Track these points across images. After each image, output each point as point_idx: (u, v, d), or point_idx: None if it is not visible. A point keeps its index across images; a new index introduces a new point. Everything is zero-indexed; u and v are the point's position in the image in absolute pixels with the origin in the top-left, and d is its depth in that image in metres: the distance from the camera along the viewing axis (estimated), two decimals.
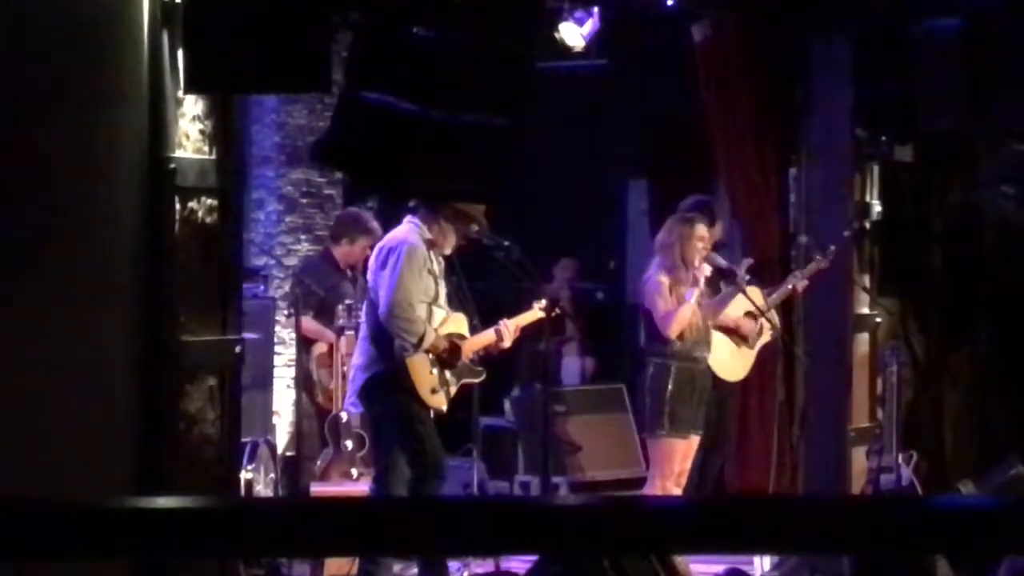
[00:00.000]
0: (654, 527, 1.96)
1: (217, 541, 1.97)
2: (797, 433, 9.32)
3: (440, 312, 7.54)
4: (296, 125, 10.80)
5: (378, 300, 7.40)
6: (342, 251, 8.92)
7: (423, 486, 7.35)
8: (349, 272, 8.95)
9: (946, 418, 10.15)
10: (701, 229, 8.18)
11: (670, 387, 8.05)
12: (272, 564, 8.32)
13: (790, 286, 8.79)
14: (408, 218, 7.56)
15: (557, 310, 8.06)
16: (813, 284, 9.04)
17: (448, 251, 7.60)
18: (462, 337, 7.63)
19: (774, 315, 8.71)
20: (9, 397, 5.33)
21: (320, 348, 8.83)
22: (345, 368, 8.41)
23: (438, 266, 7.56)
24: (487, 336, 7.73)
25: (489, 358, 7.90)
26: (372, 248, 8.71)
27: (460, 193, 7.11)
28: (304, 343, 8.75)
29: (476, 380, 7.79)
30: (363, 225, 8.97)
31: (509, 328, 7.71)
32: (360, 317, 7.93)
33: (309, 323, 8.74)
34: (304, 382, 8.80)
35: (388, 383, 7.44)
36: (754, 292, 8.65)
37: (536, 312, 7.81)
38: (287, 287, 9.98)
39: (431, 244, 7.49)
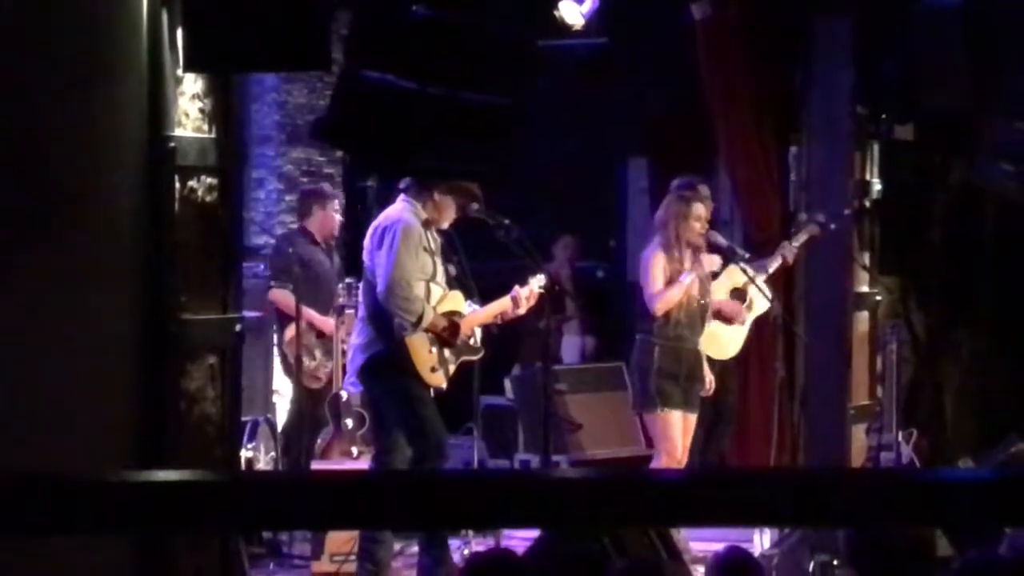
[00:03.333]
0: (653, 501, 1.96)
1: (218, 515, 1.98)
2: (797, 411, 9.33)
3: (437, 290, 7.55)
4: (296, 104, 10.79)
5: (375, 280, 7.40)
6: (317, 221, 8.94)
7: (424, 465, 7.36)
8: (323, 244, 8.96)
9: (946, 396, 10.16)
10: (699, 208, 8.16)
11: (656, 364, 8.04)
12: (273, 541, 8.35)
13: (779, 260, 8.73)
14: (401, 197, 7.56)
15: (556, 287, 8.05)
16: (813, 262, 9.03)
17: (446, 225, 7.60)
18: (460, 315, 7.63)
19: (765, 289, 8.66)
20: (10, 376, 5.34)
21: (293, 330, 8.82)
22: (345, 346, 8.42)
23: (434, 243, 7.56)
24: (502, 303, 7.72)
25: (490, 335, 7.89)
26: (339, 211, 8.89)
27: (460, 171, 7.11)
28: (279, 320, 8.76)
29: (475, 358, 7.80)
30: (326, 192, 9.19)
31: (523, 294, 7.70)
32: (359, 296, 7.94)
33: (287, 296, 8.73)
34: (286, 365, 8.84)
35: (388, 363, 7.44)
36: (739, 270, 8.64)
37: (535, 288, 7.78)
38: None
39: (427, 223, 7.49)
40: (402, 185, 7.62)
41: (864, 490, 1.92)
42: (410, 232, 7.37)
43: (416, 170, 7.18)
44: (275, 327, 8.99)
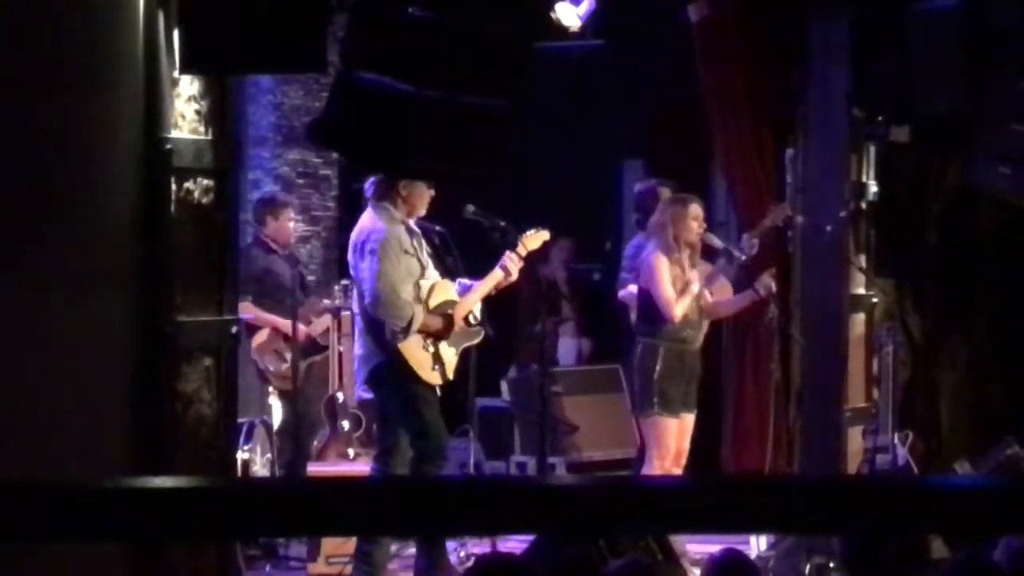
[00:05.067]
0: (650, 507, 1.96)
1: (214, 521, 1.97)
2: (793, 413, 9.33)
3: (428, 284, 7.57)
4: (292, 105, 10.78)
5: (364, 292, 7.46)
6: (271, 231, 9.00)
7: (425, 466, 7.39)
8: (281, 251, 8.98)
9: (942, 398, 10.15)
10: (695, 209, 8.17)
11: (659, 367, 8.04)
12: (269, 543, 8.35)
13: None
14: (370, 205, 7.58)
15: (549, 285, 8.04)
16: (809, 264, 9.01)
17: (423, 212, 7.60)
18: (452, 304, 7.64)
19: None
20: (6, 378, 5.33)
21: (259, 338, 8.85)
22: (342, 348, 8.44)
23: (416, 240, 7.56)
24: (494, 276, 7.71)
25: (487, 337, 7.87)
26: (293, 219, 8.94)
27: (456, 173, 7.11)
28: (246, 331, 8.78)
29: (476, 341, 7.80)
30: (280, 200, 9.27)
31: (513, 260, 7.70)
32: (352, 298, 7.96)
33: (248, 308, 8.77)
34: (259, 373, 8.85)
35: (389, 370, 7.49)
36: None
37: (536, 239, 7.80)
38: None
39: (405, 220, 7.49)
40: (367, 192, 7.63)
41: (859, 498, 1.91)
42: (385, 241, 7.39)
43: (411, 172, 7.19)
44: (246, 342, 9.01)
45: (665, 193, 8.49)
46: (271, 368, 8.85)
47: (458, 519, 1.93)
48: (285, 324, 8.72)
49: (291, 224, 9.11)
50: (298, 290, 8.70)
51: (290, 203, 9.32)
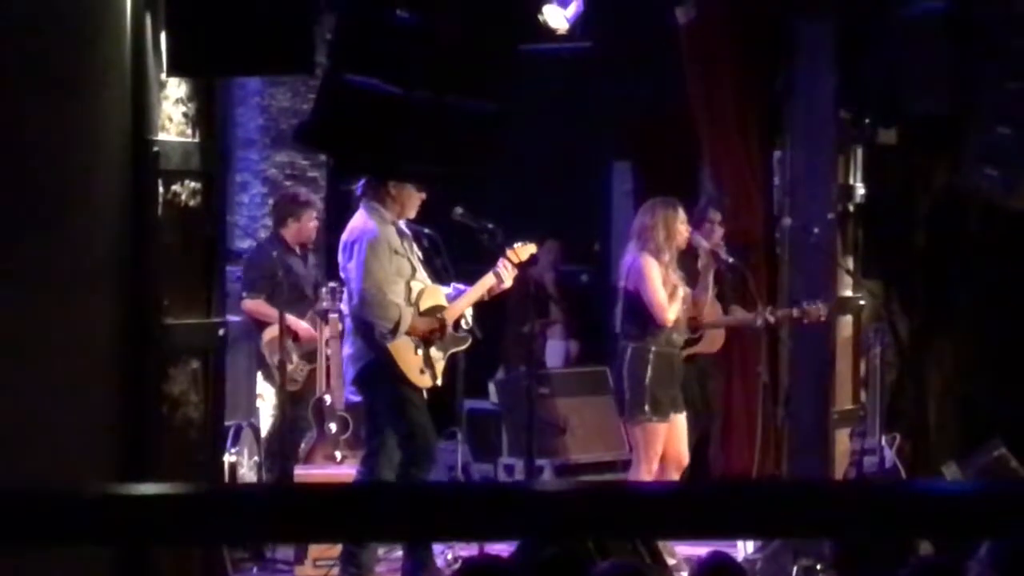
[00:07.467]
0: (638, 513, 1.96)
1: (201, 528, 1.97)
2: (781, 415, 9.33)
3: (419, 286, 7.57)
4: (280, 107, 10.77)
5: (351, 293, 7.46)
6: (292, 231, 8.92)
7: (413, 468, 7.39)
8: (298, 250, 8.95)
9: (930, 400, 10.16)
10: (683, 213, 8.20)
11: (650, 372, 8.04)
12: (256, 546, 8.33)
13: (750, 318, 8.62)
14: (361, 205, 7.57)
15: (539, 290, 8.05)
16: (797, 266, 9.02)
17: (413, 213, 7.58)
18: (441, 308, 7.65)
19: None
20: None
21: (271, 332, 8.82)
22: (329, 351, 8.42)
23: (407, 242, 7.56)
24: (487, 281, 7.71)
25: (475, 340, 7.87)
26: (318, 219, 8.84)
27: (444, 175, 7.11)
28: (256, 327, 8.77)
29: (463, 347, 7.80)
30: (302, 200, 9.00)
31: (507, 266, 7.70)
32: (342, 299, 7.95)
33: (261, 306, 8.74)
34: (264, 368, 8.83)
35: (377, 371, 7.48)
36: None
37: (524, 251, 7.82)
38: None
39: (395, 221, 7.49)
40: (358, 192, 7.63)
41: (846, 503, 1.92)
42: (375, 242, 7.38)
43: (399, 173, 7.18)
44: (255, 336, 8.99)
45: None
46: (275, 365, 8.81)
47: (443, 525, 1.93)
48: (296, 323, 8.71)
49: (312, 224, 8.98)
50: (311, 292, 8.63)
51: (313, 203, 9.03)
